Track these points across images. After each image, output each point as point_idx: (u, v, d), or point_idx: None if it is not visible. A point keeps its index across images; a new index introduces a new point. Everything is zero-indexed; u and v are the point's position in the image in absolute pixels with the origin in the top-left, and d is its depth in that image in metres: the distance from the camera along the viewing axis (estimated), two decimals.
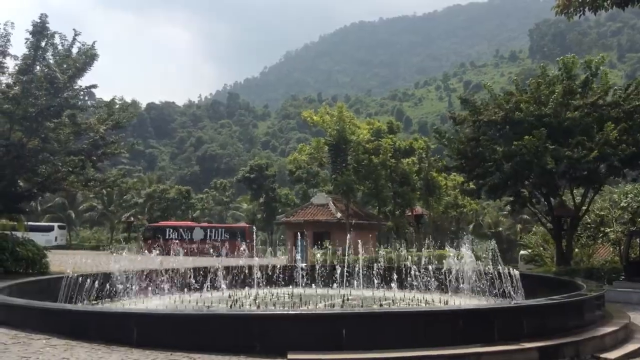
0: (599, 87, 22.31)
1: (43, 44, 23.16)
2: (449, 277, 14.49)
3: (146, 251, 36.27)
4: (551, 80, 23.15)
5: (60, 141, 23.62)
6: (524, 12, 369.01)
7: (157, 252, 20.81)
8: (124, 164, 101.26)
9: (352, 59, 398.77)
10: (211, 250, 47.21)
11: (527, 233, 41.83)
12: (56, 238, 58.22)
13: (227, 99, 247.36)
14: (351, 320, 8.40)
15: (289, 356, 7.52)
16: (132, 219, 62.95)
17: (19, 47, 23.29)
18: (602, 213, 25.42)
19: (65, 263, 27.04)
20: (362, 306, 12.99)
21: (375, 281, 15.90)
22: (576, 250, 24.81)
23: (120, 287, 13.88)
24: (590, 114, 20.99)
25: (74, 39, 24.04)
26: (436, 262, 17.18)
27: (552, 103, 21.07)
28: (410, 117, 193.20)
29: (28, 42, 22.87)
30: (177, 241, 48.55)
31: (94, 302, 12.95)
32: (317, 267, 18.20)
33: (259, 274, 16.20)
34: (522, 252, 34.82)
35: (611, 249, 25.46)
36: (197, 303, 13.76)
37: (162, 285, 14.99)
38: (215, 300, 14.43)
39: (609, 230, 24.27)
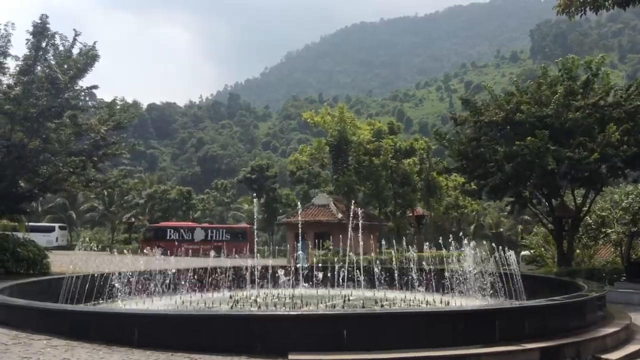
0: (600, 88, 22.29)
1: (44, 44, 23.15)
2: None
3: (145, 251, 36.34)
4: (552, 81, 23.14)
5: (61, 142, 23.62)
6: (525, 12, 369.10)
7: (160, 252, 20.83)
8: (125, 165, 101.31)
9: (353, 60, 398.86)
10: (212, 252, 47.30)
11: (528, 234, 41.78)
12: (57, 239, 58.19)
13: (228, 100, 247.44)
14: (352, 320, 8.40)
15: (290, 357, 7.52)
16: (133, 219, 62.97)
17: (20, 47, 23.33)
18: (603, 214, 25.38)
19: (66, 263, 27.07)
20: (363, 307, 12.98)
21: (380, 282, 15.90)
22: (577, 251, 24.79)
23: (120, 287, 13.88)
24: (592, 115, 20.98)
25: (75, 39, 24.05)
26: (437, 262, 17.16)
27: (554, 104, 21.05)
28: (411, 118, 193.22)
29: (29, 42, 22.87)
30: (178, 242, 48.59)
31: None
32: (317, 267, 18.18)
33: (259, 275, 16.20)
34: (523, 252, 34.76)
35: (612, 250, 25.43)
36: (198, 303, 13.76)
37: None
38: (216, 300, 14.44)
39: (610, 231, 24.24)
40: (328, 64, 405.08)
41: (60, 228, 61.37)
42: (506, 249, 13.95)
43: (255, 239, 21.48)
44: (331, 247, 29.37)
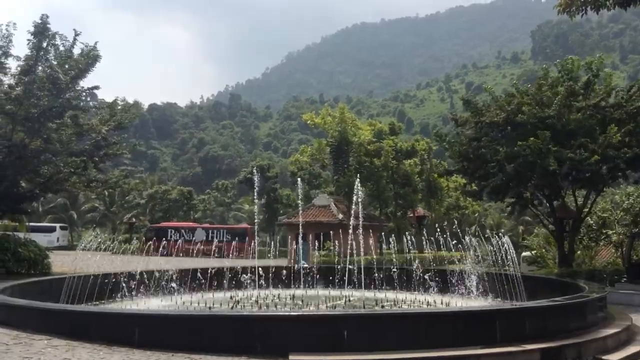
0: (601, 89, 22.29)
1: (44, 44, 23.17)
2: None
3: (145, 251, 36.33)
4: (553, 82, 23.14)
5: (63, 142, 23.63)
6: (526, 13, 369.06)
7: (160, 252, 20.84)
8: (126, 165, 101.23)
9: (354, 60, 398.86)
10: (214, 252, 47.26)
11: (529, 235, 41.77)
12: (58, 239, 58.22)
13: (229, 100, 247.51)
14: (352, 321, 8.40)
15: (290, 357, 7.52)
16: (134, 219, 63.01)
17: (21, 47, 23.35)
18: (604, 215, 25.35)
19: (68, 263, 27.07)
20: (363, 307, 12.98)
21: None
22: (578, 252, 24.76)
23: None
24: (593, 116, 20.97)
25: (75, 39, 24.05)
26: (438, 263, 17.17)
27: (556, 105, 21.03)
28: (412, 119, 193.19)
29: (30, 43, 22.88)
30: (178, 242, 48.54)
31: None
32: (318, 268, 18.20)
33: (259, 275, 16.21)
34: (524, 253, 34.73)
35: (613, 251, 25.40)
36: (198, 304, 13.77)
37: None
38: (216, 301, 14.44)
39: (611, 232, 24.22)
40: (329, 65, 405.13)
41: (61, 228, 61.39)
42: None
43: (256, 239, 21.51)
44: (332, 248, 29.37)
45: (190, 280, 16.03)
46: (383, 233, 37.44)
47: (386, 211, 46.13)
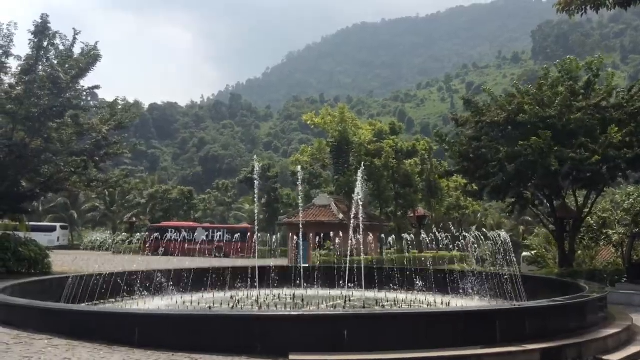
0: (601, 89, 22.29)
1: (45, 44, 23.16)
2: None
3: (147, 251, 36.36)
4: (553, 82, 23.14)
5: (63, 141, 23.63)
6: (526, 13, 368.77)
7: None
8: (127, 165, 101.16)
9: (354, 60, 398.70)
10: (215, 252, 47.30)
11: (529, 235, 41.77)
12: (58, 238, 58.25)
13: (230, 100, 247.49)
14: (352, 321, 8.40)
15: (291, 357, 7.52)
16: (134, 219, 63.01)
17: (21, 47, 23.34)
18: (605, 215, 25.36)
19: (68, 263, 27.10)
20: (363, 307, 12.99)
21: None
22: (578, 252, 24.77)
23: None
24: (594, 116, 20.97)
25: (75, 38, 24.04)
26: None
27: (558, 105, 21.02)
28: (413, 119, 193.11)
29: (31, 43, 22.87)
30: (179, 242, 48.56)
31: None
32: (318, 268, 18.20)
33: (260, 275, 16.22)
34: (524, 253, 34.74)
35: (613, 251, 25.40)
36: (199, 303, 13.78)
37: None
38: (217, 300, 14.45)
39: (611, 232, 24.22)
40: (329, 65, 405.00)
41: (62, 228, 61.42)
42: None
43: (256, 239, 21.51)
44: (332, 248, 29.37)
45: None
46: (383, 234, 37.45)
47: (387, 211, 46.13)
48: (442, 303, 14.10)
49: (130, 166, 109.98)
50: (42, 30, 22.87)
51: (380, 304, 13.69)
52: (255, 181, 29.52)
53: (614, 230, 23.96)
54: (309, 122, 44.34)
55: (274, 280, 17.09)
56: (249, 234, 47.90)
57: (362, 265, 15.49)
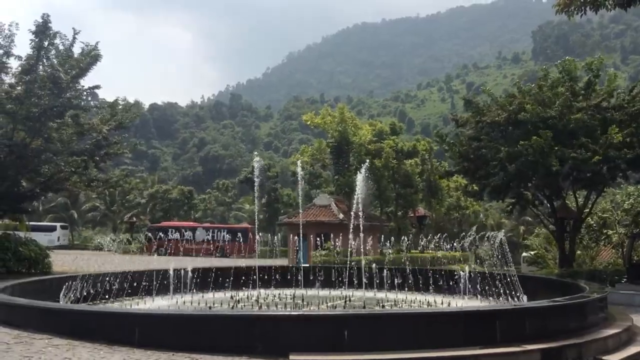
0: (602, 89, 22.30)
1: (46, 43, 23.15)
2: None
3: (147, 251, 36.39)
4: (553, 83, 23.14)
5: (63, 141, 23.62)
6: (526, 13, 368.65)
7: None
8: (127, 165, 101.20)
9: (355, 60, 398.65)
10: (215, 252, 47.30)
11: (530, 235, 41.78)
12: (59, 238, 58.26)
13: (230, 100, 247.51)
14: (353, 321, 8.40)
15: (291, 357, 7.52)
16: (134, 219, 63.03)
17: (21, 47, 23.32)
18: (605, 215, 25.37)
19: (68, 263, 27.11)
20: (364, 307, 12.98)
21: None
22: (579, 252, 24.78)
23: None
24: (594, 116, 20.98)
25: (74, 38, 24.03)
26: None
27: (559, 106, 21.01)
28: (413, 119, 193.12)
29: (33, 43, 22.85)
30: (179, 242, 48.59)
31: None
32: (318, 268, 18.20)
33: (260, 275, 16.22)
34: (524, 254, 34.73)
35: (614, 251, 25.41)
36: (199, 303, 13.77)
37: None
38: (217, 300, 14.44)
39: (611, 232, 24.22)
40: (329, 65, 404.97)
41: (62, 227, 61.44)
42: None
43: (257, 239, 21.51)
44: (332, 248, 29.36)
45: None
46: (383, 234, 37.44)
47: (387, 211, 46.14)
48: (442, 303, 14.10)
49: (131, 166, 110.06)
50: (43, 30, 22.85)
51: (381, 304, 13.69)
52: (256, 179, 29.57)
53: (614, 231, 23.97)
54: (309, 123, 44.35)
55: (274, 281, 17.09)
56: (249, 234, 47.91)
57: (362, 266, 15.49)
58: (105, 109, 27.39)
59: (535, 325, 8.80)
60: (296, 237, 32.37)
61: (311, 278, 17.68)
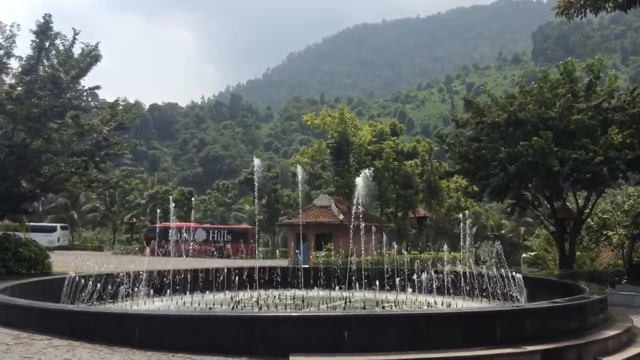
0: (602, 90, 22.30)
1: (47, 44, 23.14)
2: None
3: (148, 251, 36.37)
4: (553, 84, 23.13)
5: (64, 142, 23.61)
6: (527, 14, 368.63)
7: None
8: (127, 165, 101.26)
9: (355, 61, 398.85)
10: (215, 253, 47.29)
11: (530, 236, 41.77)
12: (59, 239, 58.26)
13: (230, 101, 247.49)
14: (353, 322, 8.39)
15: (291, 358, 7.51)
16: (134, 219, 63.05)
17: (21, 47, 23.32)
18: (605, 216, 25.36)
19: (68, 263, 27.08)
20: (363, 308, 12.97)
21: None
22: (578, 253, 24.78)
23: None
24: (594, 117, 20.98)
25: (74, 38, 24.02)
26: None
27: (559, 107, 21.01)
28: (413, 119, 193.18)
29: (34, 43, 22.84)
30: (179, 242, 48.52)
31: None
32: (318, 269, 18.19)
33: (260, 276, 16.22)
34: (524, 254, 34.74)
35: (614, 252, 25.40)
36: (199, 304, 13.77)
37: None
38: (217, 301, 14.44)
39: (611, 233, 24.21)
40: (330, 65, 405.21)
41: (62, 228, 61.43)
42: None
43: (256, 240, 21.52)
44: (332, 249, 29.37)
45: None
46: (384, 235, 37.44)
47: (387, 212, 46.13)
48: (442, 304, 14.09)
49: (131, 167, 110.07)
50: (44, 31, 22.84)
51: (381, 305, 13.68)
52: (255, 183, 29.65)
53: (614, 232, 23.96)
54: (309, 123, 44.36)
55: (274, 282, 17.08)
56: (249, 234, 47.91)
57: (362, 266, 15.48)
58: (106, 109, 27.39)
59: (535, 326, 8.79)
60: (296, 238, 32.36)
61: (311, 279, 17.66)
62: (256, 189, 26.17)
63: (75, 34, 24.09)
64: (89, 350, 8.00)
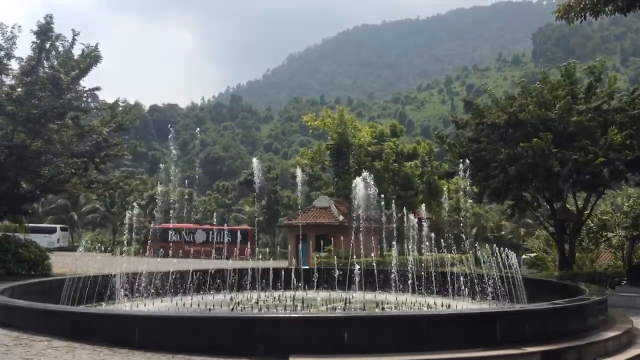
0: (602, 92, 22.30)
1: (47, 45, 23.15)
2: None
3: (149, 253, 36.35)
4: (554, 85, 23.14)
5: (64, 143, 23.63)
6: (527, 15, 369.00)
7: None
8: (127, 166, 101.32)
9: (355, 62, 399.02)
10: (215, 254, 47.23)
11: (530, 237, 41.77)
12: (58, 240, 58.24)
13: (230, 102, 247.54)
14: (353, 323, 8.39)
15: (291, 359, 7.52)
16: (134, 220, 62.99)
17: (21, 48, 23.33)
18: (605, 217, 25.36)
19: (68, 264, 27.06)
20: (363, 309, 12.98)
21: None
22: (578, 254, 24.78)
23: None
24: (594, 119, 20.98)
25: (74, 39, 24.04)
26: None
27: (559, 109, 21.01)
28: (413, 121, 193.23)
29: (34, 44, 22.84)
30: (179, 243, 48.61)
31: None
32: (319, 269, 18.19)
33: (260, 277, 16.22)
34: (524, 256, 34.74)
35: (614, 254, 25.40)
36: (199, 305, 13.77)
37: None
38: (217, 302, 14.44)
39: (611, 235, 24.21)
40: (330, 66, 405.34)
41: (62, 229, 61.39)
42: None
43: (256, 241, 21.52)
44: (332, 250, 29.36)
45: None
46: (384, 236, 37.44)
47: (387, 213, 46.09)
48: (442, 305, 14.09)
49: (131, 167, 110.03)
50: (44, 32, 22.86)
51: (381, 306, 13.68)
52: (256, 186, 29.58)
53: (614, 233, 23.97)
54: (308, 124, 44.35)
55: (274, 282, 17.08)
56: (249, 235, 47.89)
57: (362, 267, 15.48)
58: (106, 110, 27.41)
59: (535, 328, 8.79)
60: (296, 239, 32.35)
61: (311, 280, 17.66)
62: (256, 196, 26.11)
63: (75, 34, 24.12)
64: (89, 351, 8.00)
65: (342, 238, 25.24)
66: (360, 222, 17.24)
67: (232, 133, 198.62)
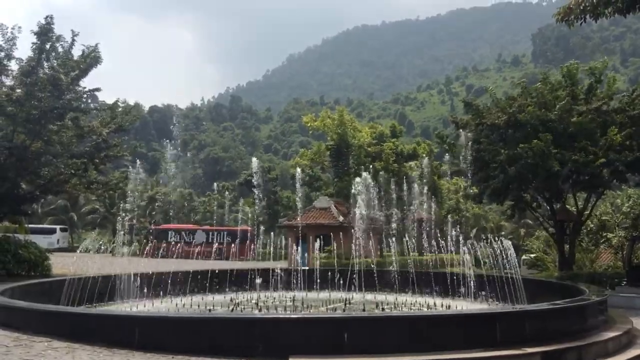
0: (602, 93, 22.31)
1: (47, 46, 23.14)
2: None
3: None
4: (554, 86, 23.14)
5: (63, 144, 23.63)
6: (526, 16, 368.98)
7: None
8: (127, 167, 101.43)
9: (355, 62, 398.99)
10: (215, 254, 47.19)
11: (530, 237, 41.77)
12: (58, 240, 58.21)
13: (230, 102, 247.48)
14: (353, 324, 8.39)
15: (291, 359, 7.52)
16: (134, 221, 63.02)
17: (21, 48, 23.32)
18: (605, 218, 25.36)
19: (68, 265, 27.06)
20: (363, 310, 12.98)
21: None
22: (578, 255, 24.79)
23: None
24: (594, 119, 20.99)
25: (73, 39, 24.03)
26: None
27: (559, 110, 21.01)
28: (413, 121, 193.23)
29: (34, 45, 22.83)
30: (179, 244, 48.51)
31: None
32: (319, 270, 18.19)
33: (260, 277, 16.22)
34: (524, 256, 34.72)
35: (613, 254, 25.40)
36: (199, 306, 13.77)
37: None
38: (217, 303, 14.44)
39: (611, 235, 24.21)
40: (330, 67, 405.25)
41: (62, 230, 61.37)
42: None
43: (256, 242, 21.52)
44: (332, 250, 29.35)
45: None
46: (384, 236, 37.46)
47: (387, 213, 46.12)
48: (442, 305, 14.09)
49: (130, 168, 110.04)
50: (45, 32, 22.85)
51: (381, 307, 13.68)
52: (255, 189, 29.56)
53: (614, 234, 23.97)
54: (308, 125, 44.38)
55: (274, 283, 17.08)
56: (248, 236, 47.81)
57: (362, 268, 15.49)
58: (105, 111, 27.42)
59: (535, 328, 8.79)
60: (296, 240, 32.31)
61: (311, 280, 17.66)
62: (256, 190, 26.10)
63: (74, 35, 24.11)
64: (89, 352, 7.99)
65: (342, 238, 25.21)
66: (360, 222, 17.26)
67: (232, 133, 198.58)
